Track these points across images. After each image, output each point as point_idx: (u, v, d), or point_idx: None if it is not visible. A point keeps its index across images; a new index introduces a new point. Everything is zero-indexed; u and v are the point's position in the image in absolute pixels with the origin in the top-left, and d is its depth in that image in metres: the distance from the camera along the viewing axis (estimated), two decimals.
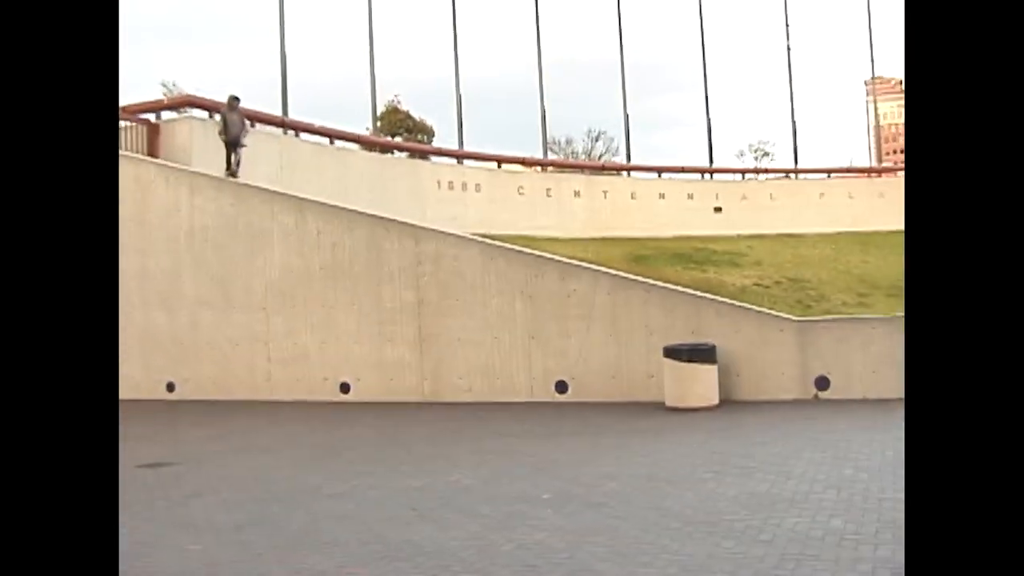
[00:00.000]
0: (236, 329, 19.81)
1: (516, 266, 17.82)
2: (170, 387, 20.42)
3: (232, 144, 21.43)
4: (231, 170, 21.28)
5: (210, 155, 22.66)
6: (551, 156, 49.74)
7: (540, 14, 43.70)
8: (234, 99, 21.74)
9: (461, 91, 39.74)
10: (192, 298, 20.37)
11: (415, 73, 74.92)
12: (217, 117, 23.12)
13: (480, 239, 18.99)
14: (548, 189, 38.47)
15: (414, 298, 18.33)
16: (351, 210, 19.40)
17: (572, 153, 66.18)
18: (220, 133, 21.56)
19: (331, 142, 30.79)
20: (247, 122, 22.24)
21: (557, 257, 18.44)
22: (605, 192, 40.44)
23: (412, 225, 19.11)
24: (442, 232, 18.90)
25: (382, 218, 19.15)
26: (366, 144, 34.49)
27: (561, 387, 17.32)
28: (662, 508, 8.80)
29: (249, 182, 20.68)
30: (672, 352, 15.84)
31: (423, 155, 37.97)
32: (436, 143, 45.34)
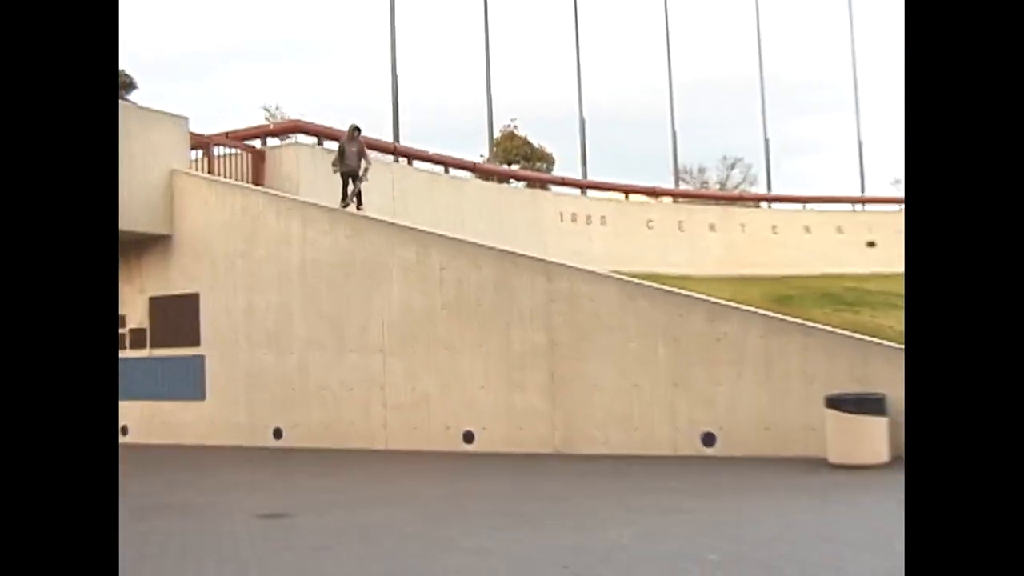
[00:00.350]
0: (350, 372, 20.19)
1: (659, 306, 17.79)
2: (277, 433, 20.86)
3: (349, 176, 21.95)
4: (345, 202, 21.76)
5: (319, 184, 23.33)
6: (683, 186, 49.79)
7: (671, 31, 44.03)
8: (355, 129, 22.20)
9: (584, 115, 40.28)
10: (303, 338, 20.84)
11: (534, 95, 75.05)
12: (330, 145, 23.70)
13: (619, 276, 19.05)
14: (680, 222, 38.79)
15: (546, 340, 18.45)
16: (478, 244, 19.67)
17: (705, 183, 66.03)
18: (334, 163, 22.06)
19: (445, 170, 31.79)
20: (368, 153, 22.68)
21: (704, 297, 18.37)
22: (743, 225, 40.36)
23: (544, 261, 19.29)
24: (577, 268, 18.99)
25: (511, 253, 19.34)
26: (482, 173, 35.42)
27: (708, 440, 17.24)
28: (844, 571, 8.73)
29: (368, 214, 21.18)
30: (836, 402, 15.66)
31: (543, 185, 38.85)
32: (557, 172, 45.88)
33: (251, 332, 21.46)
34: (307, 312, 20.87)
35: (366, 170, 22.02)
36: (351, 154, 21.93)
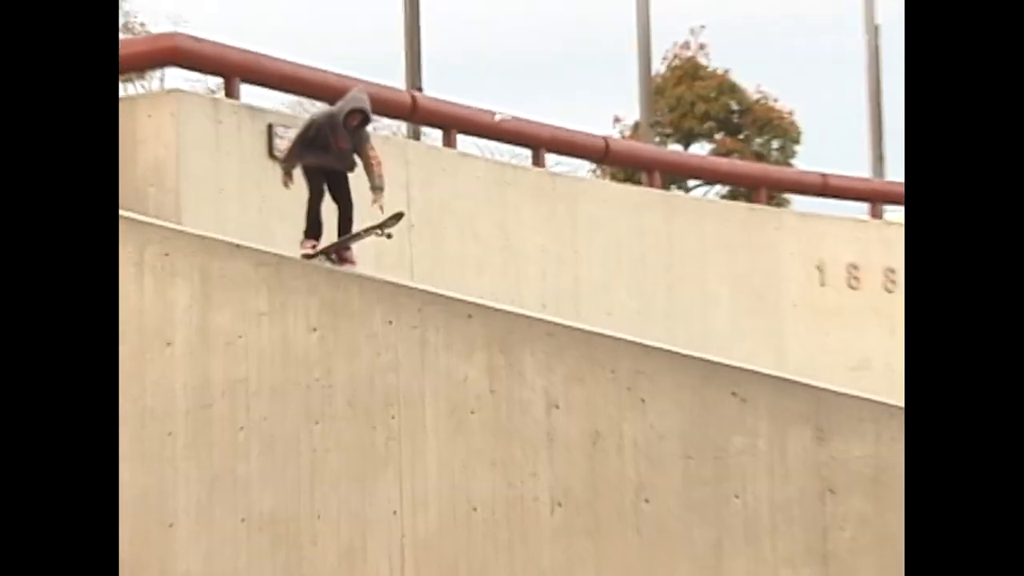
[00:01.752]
0: None
1: None
2: None
3: (325, 181, 10.15)
4: (314, 246, 9.93)
5: (233, 191, 11.86)
6: None
7: None
8: (361, 113, 9.82)
9: (878, 19, 18.93)
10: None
11: None
12: (256, 95, 12.16)
13: None
14: None
15: None
16: (634, 344, 9.10)
17: None
18: (290, 154, 10.03)
19: (534, 159, 15.34)
20: (377, 163, 10.21)
21: None
22: None
23: (801, 385, 8.91)
24: (880, 405, 8.71)
25: (717, 365, 8.98)
26: (618, 163, 18.99)
27: None
28: None
29: (361, 270, 9.85)
30: None
31: (771, 191, 19.07)
32: (806, 160, 25.87)
33: None
34: (214, 509, 9.84)
35: (378, 178, 10.11)
36: (339, 149, 9.97)
